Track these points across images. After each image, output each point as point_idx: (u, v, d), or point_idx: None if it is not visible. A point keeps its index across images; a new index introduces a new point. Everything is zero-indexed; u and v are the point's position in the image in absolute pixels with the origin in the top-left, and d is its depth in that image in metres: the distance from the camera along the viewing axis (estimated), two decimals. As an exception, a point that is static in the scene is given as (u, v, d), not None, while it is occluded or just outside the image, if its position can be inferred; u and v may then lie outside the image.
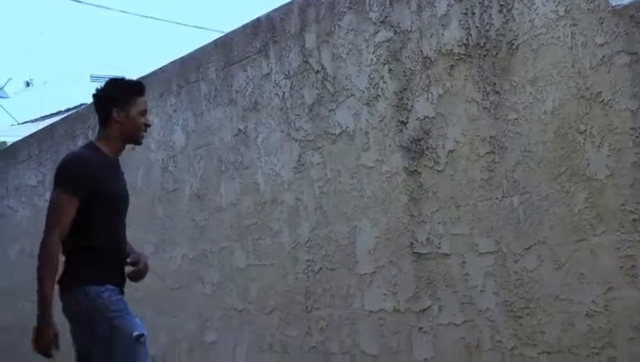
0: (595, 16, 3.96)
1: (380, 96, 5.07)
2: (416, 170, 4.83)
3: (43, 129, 9.86)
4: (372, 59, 5.12)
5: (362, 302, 5.17)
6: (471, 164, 4.52)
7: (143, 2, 24.42)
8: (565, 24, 4.08)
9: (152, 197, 7.22)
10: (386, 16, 5.03)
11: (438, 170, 4.70)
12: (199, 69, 6.70)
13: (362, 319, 5.17)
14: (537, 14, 4.20)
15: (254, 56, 6.09)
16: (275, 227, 5.86)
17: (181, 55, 7.06)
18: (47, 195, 9.04)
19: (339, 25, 5.35)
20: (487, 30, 4.44)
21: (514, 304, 4.30)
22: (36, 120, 22.13)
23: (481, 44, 4.47)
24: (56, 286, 4.32)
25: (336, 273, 5.36)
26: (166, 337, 6.93)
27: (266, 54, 5.98)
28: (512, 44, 4.31)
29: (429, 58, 4.76)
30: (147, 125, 4.43)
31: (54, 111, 21.38)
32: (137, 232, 7.39)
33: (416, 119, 4.83)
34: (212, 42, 6.67)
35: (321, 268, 5.48)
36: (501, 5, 4.37)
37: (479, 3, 4.49)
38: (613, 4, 3.90)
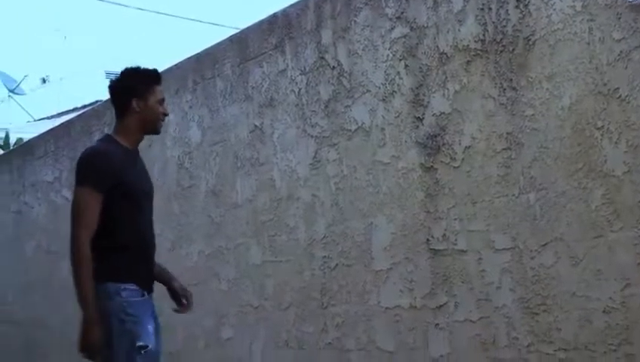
0: (613, 11, 3.94)
1: (396, 92, 5.06)
2: (432, 166, 4.82)
3: (59, 125, 9.90)
4: (388, 55, 5.11)
5: (378, 298, 5.17)
6: (487, 160, 4.51)
7: (159, -1, 24.47)
8: (582, 19, 4.06)
9: (168, 194, 7.24)
10: (402, 12, 5.02)
11: (454, 166, 4.69)
12: (215, 65, 6.70)
13: (378, 315, 5.17)
14: (554, 10, 4.19)
15: (270, 52, 6.09)
16: (291, 223, 5.86)
17: (197, 51, 7.06)
18: (64, 192, 9.09)
19: (355, 21, 5.35)
20: (504, 26, 4.42)
21: (530, 300, 4.28)
22: (52, 116, 22.21)
23: (498, 40, 4.45)
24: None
25: (352, 269, 5.36)
26: (182, 333, 6.94)
27: (282, 50, 5.97)
28: (529, 40, 4.30)
29: (446, 54, 4.75)
30: (165, 114, 4.38)
31: (70, 108, 21.45)
32: (155, 228, 7.41)
33: (433, 115, 4.82)
34: (228, 38, 6.68)
35: (337, 265, 5.47)
36: (518, 1, 4.35)
37: (496, -2, 4.48)
38: (631, 0, 3.88)
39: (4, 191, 10.81)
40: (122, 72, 4.41)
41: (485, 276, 4.51)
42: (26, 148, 10.61)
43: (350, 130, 5.37)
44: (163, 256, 7.27)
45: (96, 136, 8.45)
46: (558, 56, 4.17)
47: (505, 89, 4.41)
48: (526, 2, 4.31)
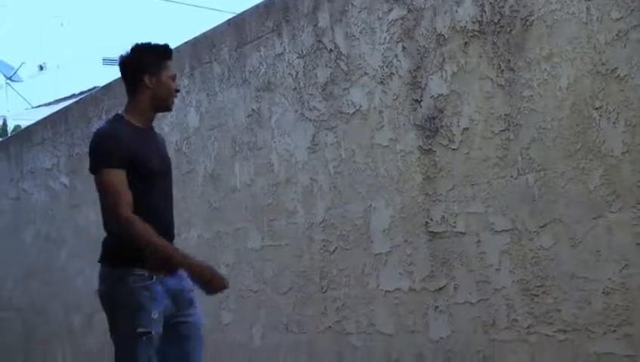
0: (611, -10, 3.92)
1: (393, 74, 5.04)
2: (430, 148, 4.81)
3: (57, 112, 9.88)
4: (385, 38, 5.09)
5: (378, 281, 5.16)
6: (486, 141, 4.50)
7: (156, -16, 24.41)
8: (580, -1, 4.04)
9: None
10: (399, -6, 5.00)
11: (452, 149, 4.68)
12: (212, 50, 6.68)
13: (378, 298, 5.17)
14: (552, -10, 4.17)
15: (267, 36, 6.07)
16: (290, 207, 5.85)
17: (194, 36, 7.04)
18: (62, 178, 9.09)
19: (352, 3, 5.32)
20: (502, 6, 4.40)
21: (530, 282, 4.28)
22: (50, 103, 22.20)
23: (495, 21, 4.43)
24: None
25: (351, 253, 5.35)
26: (182, 318, 6.94)
27: (279, 34, 5.95)
28: (527, 21, 4.28)
29: (443, 35, 4.73)
30: (177, 90, 4.30)
31: (68, 95, 21.43)
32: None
33: (431, 97, 4.80)
34: (225, 22, 6.66)
35: (336, 248, 5.47)
36: (515, -19, 4.34)
37: (493, -21, 4.46)
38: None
39: (3, 179, 10.80)
40: (133, 48, 4.28)
41: (484, 258, 4.51)
42: (24, 135, 10.60)
43: (348, 113, 5.36)
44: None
45: (94, 123, 8.45)
46: (555, 37, 4.15)
47: (503, 70, 4.40)
48: (523, -17, 4.30)
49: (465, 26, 4.60)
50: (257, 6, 6.24)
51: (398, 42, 5.01)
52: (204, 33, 6.87)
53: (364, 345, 5.25)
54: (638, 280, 3.82)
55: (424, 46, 4.85)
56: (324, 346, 5.56)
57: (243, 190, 6.32)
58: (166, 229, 4.25)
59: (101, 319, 8.21)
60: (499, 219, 4.43)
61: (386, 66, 5.08)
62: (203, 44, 6.83)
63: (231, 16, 6.77)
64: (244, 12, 6.43)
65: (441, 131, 4.74)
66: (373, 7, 5.17)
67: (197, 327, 4.35)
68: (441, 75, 4.74)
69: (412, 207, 4.93)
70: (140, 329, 4.04)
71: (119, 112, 4.37)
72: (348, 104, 5.36)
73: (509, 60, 4.37)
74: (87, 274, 8.53)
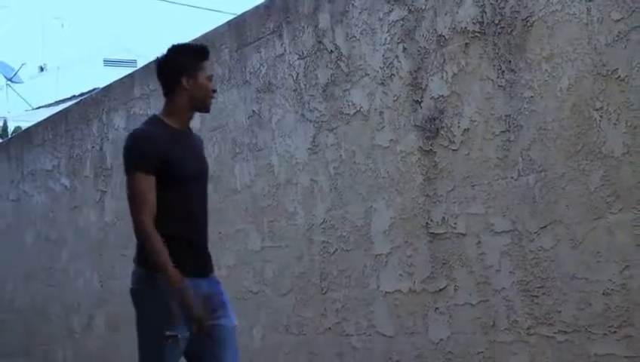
0: (611, -9, 3.92)
1: (394, 75, 5.04)
2: (431, 149, 4.81)
3: (57, 113, 9.88)
4: (386, 39, 5.09)
5: (378, 282, 5.16)
6: (486, 142, 4.49)
7: (156, -14, 24.40)
8: (581, 0, 4.04)
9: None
10: (400, -5, 5.00)
11: (453, 150, 4.68)
12: (212, 51, 6.66)
13: (378, 300, 5.16)
14: (552, -9, 4.17)
15: (268, 37, 6.07)
16: (290, 208, 5.85)
17: (194, 37, 7.04)
18: (63, 180, 9.09)
19: (352, 4, 5.32)
20: (502, 7, 4.40)
21: (530, 283, 4.28)
22: (50, 105, 22.20)
23: (496, 22, 4.43)
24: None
25: (351, 254, 5.35)
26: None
27: (279, 35, 5.95)
28: (527, 21, 4.28)
29: (444, 36, 4.73)
30: (214, 90, 4.25)
31: (68, 96, 21.42)
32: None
33: (431, 98, 4.80)
34: (225, 23, 6.66)
35: (336, 250, 5.47)
36: (516, -18, 4.34)
37: (493, -20, 4.46)
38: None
39: (3, 180, 10.81)
40: (170, 49, 4.23)
41: (485, 259, 4.50)
42: (25, 137, 10.60)
43: (349, 114, 5.36)
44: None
45: (94, 124, 8.45)
46: (556, 38, 4.15)
47: (503, 71, 4.39)
48: (524, -17, 4.29)
49: (465, 27, 4.60)
50: (258, 7, 6.24)
51: (398, 43, 5.01)
52: (205, 34, 6.86)
53: (364, 347, 5.25)
54: (639, 281, 3.82)
55: (425, 47, 4.84)
56: (324, 347, 5.56)
57: (243, 191, 6.31)
58: (199, 232, 4.21)
59: (101, 320, 8.24)
60: (499, 220, 4.43)
61: (387, 67, 5.08)
62: (203, 45, 6.82)
63: (231, 17, 6.77)
64: (245, 13, 6.43)
65: (442, 132, 4.74)
66: (374, 8, 5.17)
67: (228, 330, 4.28)
68: (442, 76, 4.73)
69: (412, 208, 4.93)
70: (167, 333, 4.00)
71: (156, 114, 4.33)
72: (348, 105, 5.36)
73: (510, 61, 4.36)
74: (88, 276, 8.54)
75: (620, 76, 3.88)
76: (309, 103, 5.66)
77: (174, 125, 4.15)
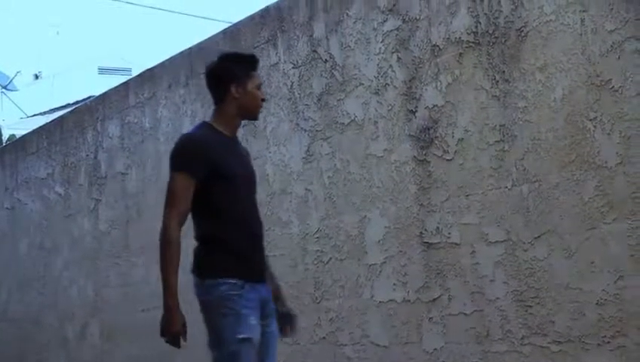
0: (605, 2, 3.93)
1: (388, 85, 5.04)
2: (425, 159, 4.81)
3: (52, 121, 9.87)
4: (381, 48, 5.09)
5: (372, 292, 5.16)
6: (480, 152, 4.50)
7: (152, -6, 24.44)
8: (575, 10, 4.05)
9: (162, 189, 7.20)
10: (394, 5, 5.00)
11: (447, 159, 4.68)
12: (208, 60, 6.65)
13: (372, 309, 5.16)
14: (546, 1, 4.18)
15: (262, 46, 6.07)
16: (285, 217, 5.84)
17: (189, 46, 7.04)
18: (57, 188, 9.08)
19: (347, 14, 5.33)
20: (496, 17, 4.41)
21: (524, 293, 4.28)
22: (45, 112, 22.19)
23: (490, 32, 4.44)
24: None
25: (345, 263, 5.34)
26: (176, 328, 6.92)
27: (274, 44, 5.96)
28: (521, 32, 4.28)
29: (438, 46, 4.74)
30: (263, 99, 4.23)
31: (63, 104, 21.42)
32: (147, 224, 7.39)
33: (425, 108, 4.80)
34: (220, 32, 6.66)
35: (330, 259, 5.46)
36: (510, -8, 4.34)
37: (488, -10, 4.46)
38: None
39: (-2, 188, 10.78)
40: (220, 57, 4.25)
41: (479, 269, 4.50)
42: (19, 145, 10.58)
43: (343, 124, 5.36)
44: (157, 251, 7.26)
45: (89, 132, 8.44)
46: (550, 48, 4.15)
47: (497, 81, 4.40)
48: (518, -6, 4.30)
49: (460, 37, 4.61)
50: (252, 16, 6.25)
51: (393, 53, 5.01)
52: (200, 43, 6.87)
53: (358, 357, 5.24)
54: (633, 291, 3.82)
55: (419, 57, 4.85)
56: (318, 357, 5.55)
57: (238, 200, 6.30)
58: (253, 236, 4.16)
59: (95, 328, 8.22)
60: (493, 230, 4.43)
61: (381, 77, 5.08)
62: (198, 54, 6.83)
63: (226, 26, 6.77)
64: (240, 22, 6.43)
65: (436, 142, 4.74)
66: (369, 17, 5.17)
67: (275, 338, 4.28)
68: (436, 86, 4.74)
69: (406, 218, 4.93)
70: (240, 336, 3.95)
71: (206, 120, 4.31)
72: (343, 114, 5.36)
73: (504, 71, 4.37)
74: (82, 284, 8.52)
75: (613, 86, 3.88)
76: (303, 112, 5.66)
77: (224, 131, 4.14)
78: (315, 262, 5.57)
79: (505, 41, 4.37)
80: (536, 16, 4.22)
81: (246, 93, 4.11)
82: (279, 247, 5.88)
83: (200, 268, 4.10)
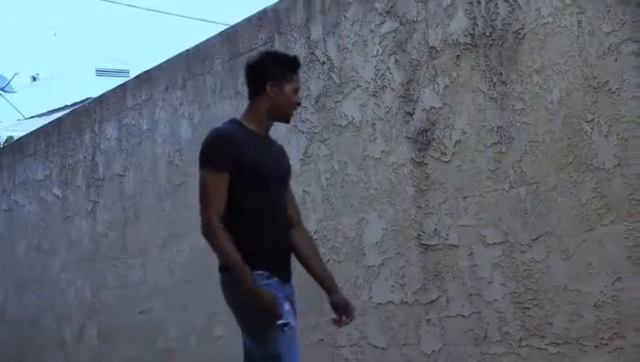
0: (602, 4, 3.93)
1: (386, 87, 5.05)
2: (422, 161, 4.81)
3: (49, 123, 9.86)
4: (378, 50, 5.10)
5: (370, 294, 5.16)
6: (478, 154, 4.50)
7: (149, -5, 24.41)
8: (572, 12, 4.05)
9: (159, 191, 7.22)
10: (392, 7, 5.01)
11: (444, 161, 4.68)
12: (205, 62, 6.68)
13: (370, 311, 5.16)
14: (543, 3, 4.18)
15: (260, 48, 6.06)
16: (282, 219, 5.83)
17: (187, 48, 7.04)
18: (55, 189, 9.07)
19: (344, 16, 5.33)
20: (493, 19, 4.41)
21: (522, 295, 4.28)
22: (43, 114, 22.16)
23: (488, 34, 4.44)
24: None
25: (343, 265, 5.34)
26: (175, 331, 6.92)
27: (271, 46, 5.95)
28: (519, 34, 4.29)
29: (435, 48, 4.74)
30: (299, 104, 4.12)
31: (61, 106, 21.39)
32: (145, 226, 7.39)
33: (423, 110, 4.81)
34: (217, 34, 6.66)
35: (328, 261, 5.44)
36: (507, -5, 4.35)
37: (485, -8, 4.47)
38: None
39: (-5, 190, 10.78)
40: (262, 54, 4.19)
41: (476, 271, 4.51)
42: (16, 147, 10.57)
43: (341, 126, 5.36)
44: (154, 253, 7.28)
45: (87, 134, 8.44)
46: (547, 50, 4.16)
47: (495, 83, 4.40)
48: (515, -4, 4.31)
49: (457, 39, 4.61)
50: (250, 18, 6.25)
51: (390, 55, 5.02)
52: (197, 45, 6.87)
53: (356, 358, 5.24)
54: (630, 293, 3.82)
55: (416, 59, 4.85)
56: (315, 359, 5.54)
57: (235, 202, 6.29)
58: (280, 235, 4.08)
59: (93, 330, 8.22)
60: (491, 232, 4.43)
61: (379, 79, 5.09)
62: (196, 56, 6.83)
63: (223, 28, 6.77)
64: (237, 24, 6.43)
65: (434, 144, 4.74)
66: (366, 19, 5.18)
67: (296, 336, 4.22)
68: (434, 88, 4.74)
69: (404, 220, 4.93)
70: (279, 322, 3.84)
71: (236, 117, 4.22)
72: (340, 116, 5.36)
73: (501, 73, 4.37)
74: (79, 286, 8.52)
75: (610, 88, 3.89)
76: (301, 114, 5.66)
77: (254, 128, 4.06)
78: (313, 264, 5.55)
79: (502, 43, 4.37)
80: (534, 19, 4.22)
81: (281, 93, 4.02)
82: (277, 249, 5.87)
83: (221, 264, 4.01)
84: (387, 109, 5.03)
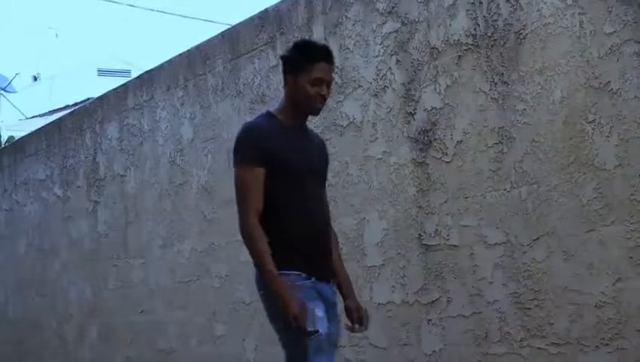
0: (604, 4, 3.93)
1: (387, 87, 5.05)
2: (424, 161, 4.81)
3: (51, 123, 9.87)
4: (379, 51, 5.10)
5: (371, 294, 5.16)
6: (479, 154, 4.50)
7: (151, -4, 24.44)
8: (573, 13, 4.05)
9: (160, 191, 7.22)
10: (393, 7, 5.01)
11: (446, 161, 4.68)
12: (206, 62, 6.68)
13: (371, 311, 5.13)
14: (545, 3, 4.18)
15: (261, 48, 6.07)
16: (283, 219, 5.83)
17: (188, 48, 7.04)
18: (56, 189, 9.08)
19: (346, 16, 5.33)
20: (495, 20, 4.41)
21: (523, 295, 4.28)
22: (44, 114, 22.19)
23: (489, 34, 4.44)
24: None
25: (344, 265, 5.33)
26: (175, 331, 6.92)
27: (273, 46, 5.96)
28: (520, 34, 4.29)
29: (437, 49, 4.74)
30: (322, 95, 3.88)
31: (62, 106, 21.42)
32: (146, 226, 7.39)
33: (424, 110, 4.81)
34: (219, 34, 6.66)
35: (329, 261, 5.45)
36: (509, -5, 4.35)
37: (487, -7, 4.47)
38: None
39: (-4, 190, 10.78)
40: (294, 43, 4.07)
41: (477, 271, 4.51)
42: (18, 146, 10.58)
43: (342, 126, 5.36)
44: (155, 253, 7.29)
45: (88, 134, 8.44)
46: (549, 50, 4.16)
47: (496, 83, 4.40)
48: (517, -4, 4.31)
49: (459, 40, 4.61)
50: (251, 18, 6.25)
51: (392, 55, 5.02)
52: (198, 45, 6.87)
53: (357, 358, 5.24)
54: (631, 293, 3.82)
55: (418, 59, 4.85)
56: (317, 359, 5.54)
57: (236, 202, 6.29)
58: (315, 230, 3.91)
59: (94, 330, 8.22)
60: (492, 232, 4.43)
61: (380, 79, 5.09)
62: (197, 56, 6.83)
63: (225, 28, 6.78)
64: (238, 24, 6.43)
65: (435, 144, 4.74)
66: (367, 19, 5.18)
67: (336, 342, 4.10)
68: (435, 88, 4.74)
69: (405, 220, 4.93)
70: (307, 329, 3.67)
71: (270, 109, 4.09)
72: (342, 116, 5.36)
73: (503, 74, 4.37)
74: (80, 286, 8.52)
75: (612, 89, 3.89)
76: (302, 114, 5.65)
77: (286, 121, 3.93)
78: (314, 264, 5.56)
79: (504, 43, 4.37)
80: (535, 19, 4.22)
81: (297, 85, 3.88)
82: (278, 249, 5.87)
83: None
84: (388, 109, 5.03)
